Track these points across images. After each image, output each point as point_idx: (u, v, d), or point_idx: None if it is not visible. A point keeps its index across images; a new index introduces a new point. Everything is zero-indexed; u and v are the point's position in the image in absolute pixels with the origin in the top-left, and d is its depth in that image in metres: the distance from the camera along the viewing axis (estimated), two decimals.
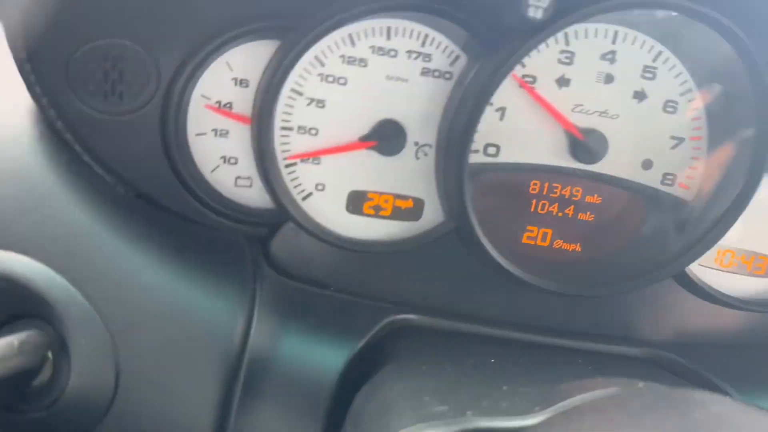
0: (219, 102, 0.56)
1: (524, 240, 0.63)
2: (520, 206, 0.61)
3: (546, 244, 0.63)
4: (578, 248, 0.63)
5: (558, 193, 0.61)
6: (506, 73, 0.52)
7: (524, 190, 0.61)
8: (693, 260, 0.59)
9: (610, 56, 0.56)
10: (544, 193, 0.61)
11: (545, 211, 0.62)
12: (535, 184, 0.61)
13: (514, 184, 0.61)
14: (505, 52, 0.51)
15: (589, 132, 0.58)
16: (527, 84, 0.57)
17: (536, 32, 0.50)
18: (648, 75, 0.57)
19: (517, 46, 0.50)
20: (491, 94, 0.52)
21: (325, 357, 0.55)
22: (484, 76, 0.52)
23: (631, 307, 0.65)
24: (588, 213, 0.62)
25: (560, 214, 0.62)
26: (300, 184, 0.58)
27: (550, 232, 0.63)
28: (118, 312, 0.48)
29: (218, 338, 0.51)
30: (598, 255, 0.63)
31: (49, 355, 0.46)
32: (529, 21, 0.49)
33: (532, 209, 0.61)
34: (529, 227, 0.62)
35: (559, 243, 0.63)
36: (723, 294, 0.63)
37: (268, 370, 0.53)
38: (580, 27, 0.56)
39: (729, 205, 0.56)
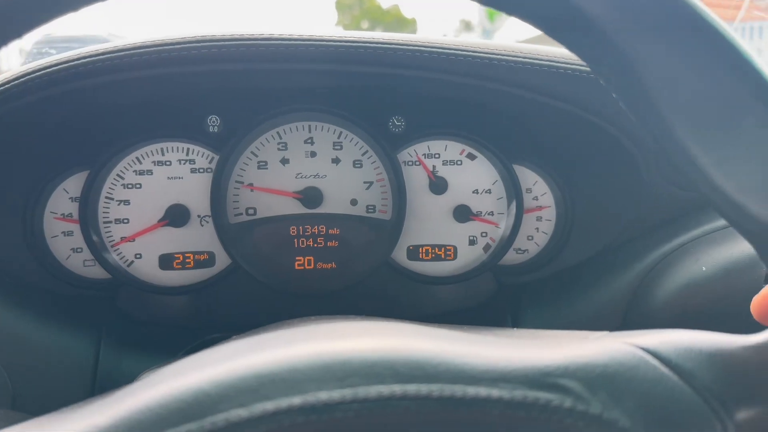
0: (63, 214, 0.86)
1: (296, 267, 0.93)
2: (287, 245, 0.92)
3: (312, 267, 0.93)
4: (334, 265, 0.93)
5: (310, 231, 0.92)
6: (232, 165, 0.84)
7: (287, 233, 0.92)
8: (390, 253, 0.90)
9: (310, 140, 0.89)
10: (301, 233, 0.92)
11: (305, 245, 0.92)
12: (293, 228, 0.92)
13: (279, 230, 0.91)
14: (224, 153, 0.83)
15: (309, 189, 0.90)
16: (263, 167, 0.89)
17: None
18: (337, 147, 0.90)
19: (229, 151, 0.83)
20: (228, 177, 0.84)
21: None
22: (220, 168, 0.84)
23: (379, 296, 0.94)
24: (333, 241, 0.93)
25: (316, 245, 0.93)
26: (124, 257, 0.87)
27: (312, 258, 0.93)
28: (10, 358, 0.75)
29: (75, 366, 0.79)
30: (347, 266, 0.93)
31: None
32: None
33: (296, 245, 0.92)
34: (297, 258, 0.93)
35: (320, 265, 0.93)
36: (430, 276, 0.93)
37: (115, 383, 0.80)
38: (289, 126, 0.89)
39: (397, 217, 0.89)
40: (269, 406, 0.28)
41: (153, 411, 0.29)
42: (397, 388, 0.30)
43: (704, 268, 0.79)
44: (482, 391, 0.30)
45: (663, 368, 0.32)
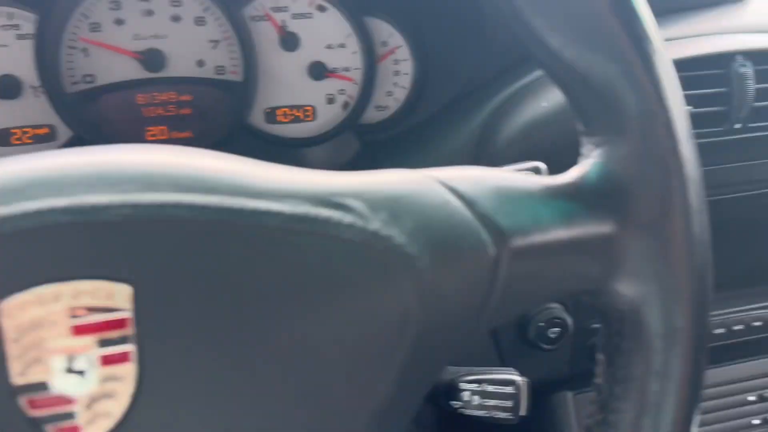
0: None
1: (148, 138, 0.90)
2: (135, 114, 0.88)
3: (165, 137, 0.90)
4: (190, 134, 0.91)
5: (158, 99, 0.88)
6: (61, 28, 0.78)
7: (133, 101, 0.87)
8: (246, 116, 0.88)
9: None
10: (149, 101, 0.88)
11: (155, 114, 0.89)
12: (140, 96, 0.88)
13: (124, 98, 0.87)
14: (44, 12, 0.77)
15: (150, 51, 0.85)
16: (96, 30, 0.83)
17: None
18: (176, 3, 0.85)
19: (48, 10, 0.77)
20: (57, 42, 0.79)
21: None
22: (41, 30, 0.79)
23: None
24: (187, 108, 0.89)
25: (168, 113, 0.89)
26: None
27: (165, 128, 0.90)
28: None
29: None
30: (204, 134, 0.90)
31: None
32: None
33: (144, 114, 0.88)
34: (148, 128, 0.89)
35: (175, 134, 0.90)
36: (290, 138, 0.92)
37: None
38: None
39: (248, 77, 0.86)
40: (31, 205, 0.28)
41: None
42: (173, 197, 0.29)
43: (544, 104, 0.81)
44: (262, 204, 0.30)
45: (448, 194, 0.33)
